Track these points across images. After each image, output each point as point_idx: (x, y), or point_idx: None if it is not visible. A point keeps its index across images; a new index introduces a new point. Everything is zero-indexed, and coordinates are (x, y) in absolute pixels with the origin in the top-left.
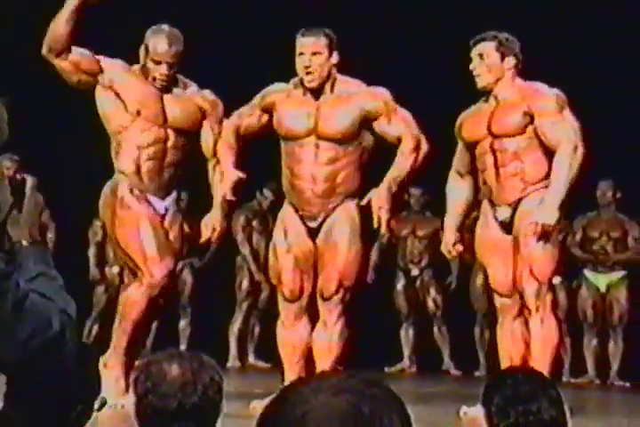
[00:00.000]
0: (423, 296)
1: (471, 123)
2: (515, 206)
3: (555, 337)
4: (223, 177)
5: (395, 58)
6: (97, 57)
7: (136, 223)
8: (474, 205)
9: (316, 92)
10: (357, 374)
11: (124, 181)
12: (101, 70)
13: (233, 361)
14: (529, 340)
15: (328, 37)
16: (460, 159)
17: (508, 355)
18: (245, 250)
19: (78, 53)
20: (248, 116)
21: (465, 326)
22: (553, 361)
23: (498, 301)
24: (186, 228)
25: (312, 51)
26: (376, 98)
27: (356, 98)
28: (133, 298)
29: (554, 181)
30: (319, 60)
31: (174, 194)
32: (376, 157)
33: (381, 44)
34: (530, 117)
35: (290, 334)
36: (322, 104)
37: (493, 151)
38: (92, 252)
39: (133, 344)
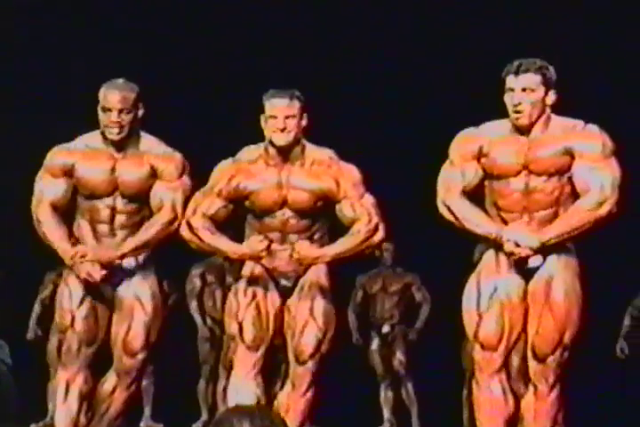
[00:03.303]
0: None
1: (501, 154)
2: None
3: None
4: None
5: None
6: (59, 183)
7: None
8: None
9: (283, 157)
10: None
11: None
12: (72, 177)
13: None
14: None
15: (300, 100)
16: (465, 180)
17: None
18: (192, 304)
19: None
20: (212, 209)
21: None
22: None
23: (480, 354)
24: None
25: (286, 114)
26: (344, 181)
27: (325, 177)
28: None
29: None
30: (293, 122)
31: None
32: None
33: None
34: (571, 157)
35: (245, 384)
36: (291, 175)
37: (528, 192)
38: (35, 309)
39: None
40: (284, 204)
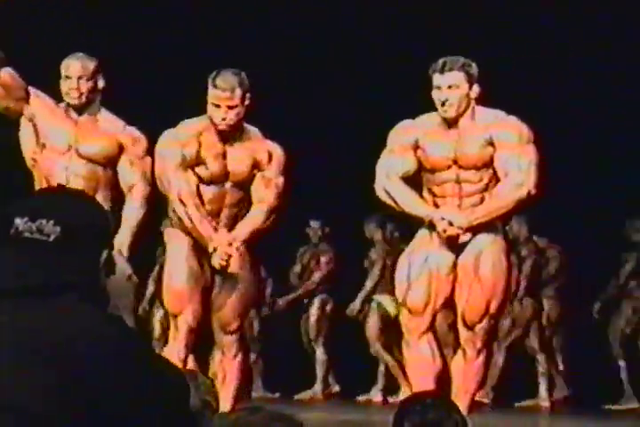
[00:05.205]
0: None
1: (433, 148)
2: (473, 232)
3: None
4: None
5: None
6: (28, 87)
7: None
8: None
9: (225, 136)
10: (262, 409)
11: None
12: (28, 102)
13: None
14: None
15: (243, 87)
16: (404, 168)
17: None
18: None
19: (9, 75)
20: (188, 179)
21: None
22: None
23: (407, 318)
24: None
25: (228, 105)
26: (269, 157)
27: (261, 149)
28: None
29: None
30: (235, 111)
31: None
32: None
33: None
34: (493, 148)
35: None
36: (231, 148)
37: (459, 182)
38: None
39: None
40: (226, 176)
